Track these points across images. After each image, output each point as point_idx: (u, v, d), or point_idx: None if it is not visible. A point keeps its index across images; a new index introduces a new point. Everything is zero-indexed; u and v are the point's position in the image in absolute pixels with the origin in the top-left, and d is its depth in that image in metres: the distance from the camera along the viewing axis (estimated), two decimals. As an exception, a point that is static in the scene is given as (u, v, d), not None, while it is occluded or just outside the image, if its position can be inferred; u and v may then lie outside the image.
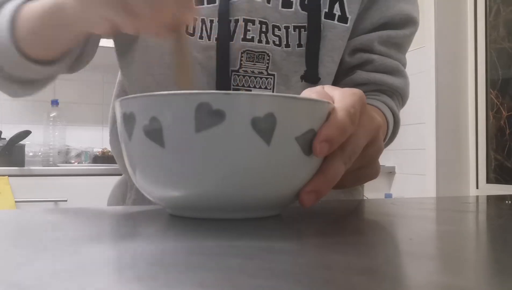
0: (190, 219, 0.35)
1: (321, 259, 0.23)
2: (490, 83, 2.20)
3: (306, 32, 0.61)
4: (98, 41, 0.63)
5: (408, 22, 0.65)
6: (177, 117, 0.30)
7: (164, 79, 0.60)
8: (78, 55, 0.61)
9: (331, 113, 0.34)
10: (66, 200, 1.89)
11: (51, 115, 2.30)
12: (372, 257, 0.23)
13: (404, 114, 2.42)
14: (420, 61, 2.28)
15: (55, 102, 2.32)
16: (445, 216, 0.42)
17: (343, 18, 0.62)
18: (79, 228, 0.30)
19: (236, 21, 0.59)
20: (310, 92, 0.38)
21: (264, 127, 0.31)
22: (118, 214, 0.40)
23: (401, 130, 2.52)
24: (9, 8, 0.55)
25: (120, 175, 0.75)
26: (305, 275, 0.19)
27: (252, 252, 0.24)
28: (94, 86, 2.61)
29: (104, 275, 0.19)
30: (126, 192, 0.67)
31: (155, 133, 0.31)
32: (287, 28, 0.61)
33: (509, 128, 2.11)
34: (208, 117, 0.30)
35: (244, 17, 0.59)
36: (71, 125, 2.45)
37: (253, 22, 0.60)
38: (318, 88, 0.39)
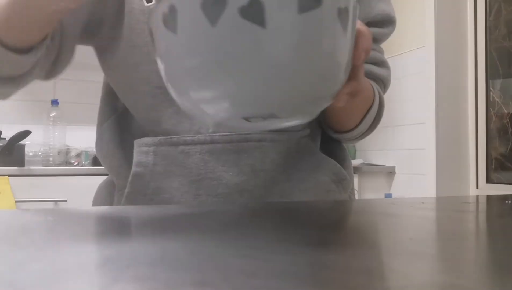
0: (189, 219, 0.35)
1: (321, 259, 0.23)
2: (491, 83, 2.20)
3: None
4: (75, 44, 0.62)
5: (388, 22, 0.70)
6: None
7: (152, 75, 0.59)
8: (55, 58, 0.60)
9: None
10: (66, 200, 1.89)
11: (51, 115, 2.30)
12: (372, 257, 0.23)
13: (404, 114, 2.43)
14: (420, 61, 2.28)
15: (55, 102, 2.32)
16: (445, 216, 0.42)
17: None
18: (78, 228, 0.30)
19: None
20: None
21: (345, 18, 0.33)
22: (118, 214, 0.40)
23: (401, 130, 2.50)
24: None
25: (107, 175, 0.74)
26: (305, 275, 0.19)
27: (252, 252, 0.24)
28: (94, 86, 2.59)
29: (104, 275, 0.19)
30: (113, 193, 0.66)
31: (254, 14, 0.31)
32: None
33: (510, 127, 2.11)
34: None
35: None
36: (71, 125, 2.44)
37: None
38: None
